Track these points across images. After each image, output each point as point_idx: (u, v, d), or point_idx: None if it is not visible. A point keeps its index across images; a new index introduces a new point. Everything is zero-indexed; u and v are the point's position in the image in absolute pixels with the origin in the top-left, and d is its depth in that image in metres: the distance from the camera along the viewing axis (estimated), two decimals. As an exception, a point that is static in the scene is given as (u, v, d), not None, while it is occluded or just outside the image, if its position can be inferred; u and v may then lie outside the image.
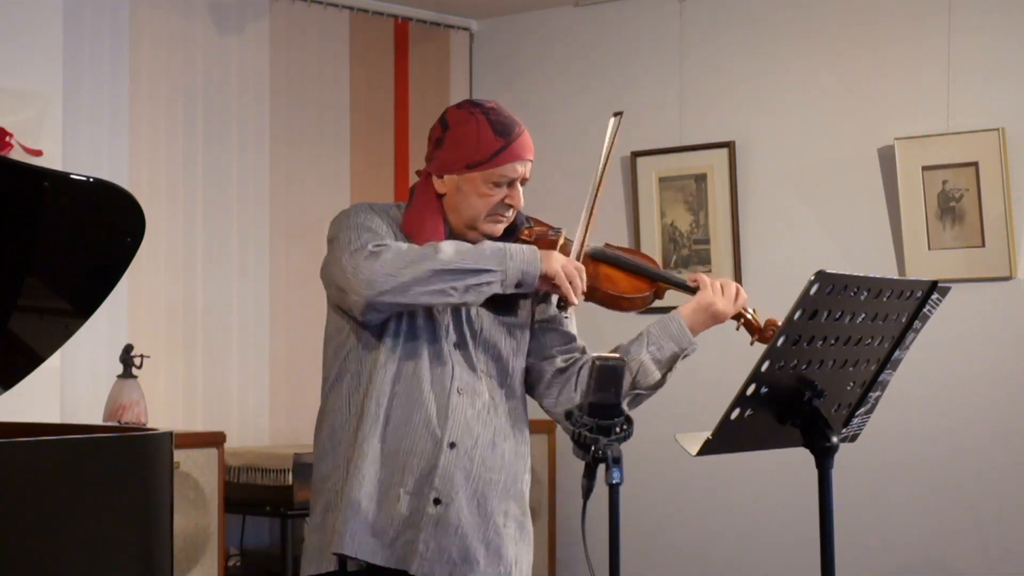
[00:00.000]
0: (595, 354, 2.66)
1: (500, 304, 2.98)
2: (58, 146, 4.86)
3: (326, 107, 6.07)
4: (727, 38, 5.85)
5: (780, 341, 2.50)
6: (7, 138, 4.68)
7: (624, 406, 2.96)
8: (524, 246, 2.87)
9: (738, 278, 5.71)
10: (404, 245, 2.86)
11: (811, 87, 5.62)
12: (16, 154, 4.66)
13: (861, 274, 2.57)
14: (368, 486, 2.91)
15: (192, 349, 5.58)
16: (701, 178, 5.84)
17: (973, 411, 5.22)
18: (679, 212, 5.89)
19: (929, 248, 5.25)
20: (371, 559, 2.92)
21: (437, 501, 2.92)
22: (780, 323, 2.96)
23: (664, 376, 3.01)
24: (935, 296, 2.73)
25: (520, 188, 2.98)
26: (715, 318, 2.99)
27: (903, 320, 2.71)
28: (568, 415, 2.62)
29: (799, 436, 2.67)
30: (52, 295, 3.29)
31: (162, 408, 5.34)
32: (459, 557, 2.93)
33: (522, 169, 2.98)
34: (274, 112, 5.86)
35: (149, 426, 4.73)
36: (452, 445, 2.92)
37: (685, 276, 3.06)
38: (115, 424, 4.79)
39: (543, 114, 6.35)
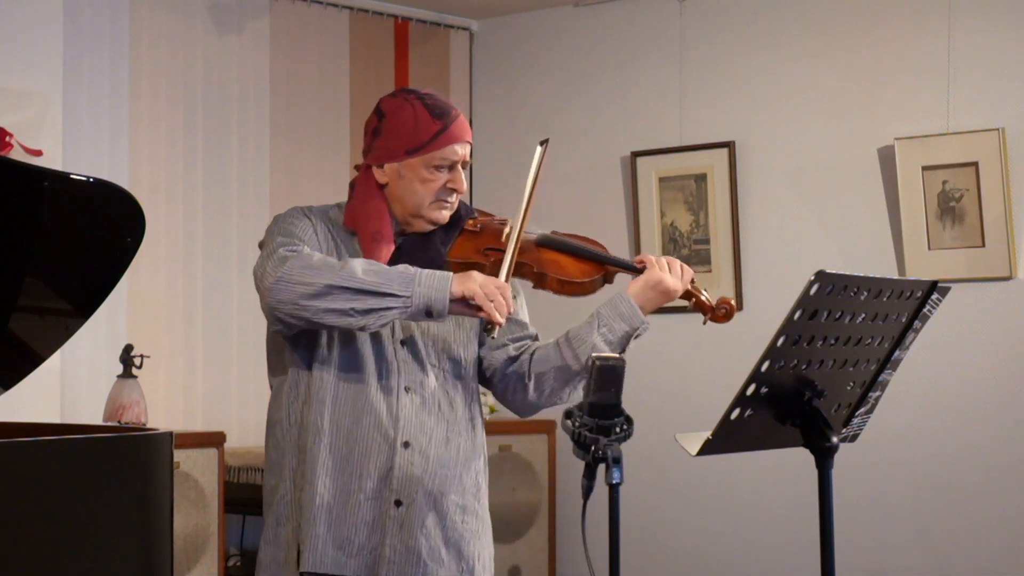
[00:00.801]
0: (595, 354, 2.65)
1: None
2: (58, 146, 4.87)
3: (326, 107, 6.07)
4: (727, 38, 5.85)
5: (780, 341, 2.50)
6: (7, 138, 4.68)
7: (579, 390, 2.96)
8: (438, 272, 2.78)
9: (738, 278, 5.71)
10: (316, 254, 2.82)
11: (811, 87, 5.62)
12: (16, 154, 4.66)
13: (861, 274, 2.57)
14: (325, 497, 2.88)
15: (192, 349, 5.58)
16: (701, 178, 5.84)
17: (973, 411, 5.22)
18: (679, 212, 5.89)
19: (929, 248, 5.25)
20: (340, 571, 2.89)
21: (398, 503, 2.90)
22: (731, 301, 2.96)
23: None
24: (935, 296, 2.73)
25: (462, 172, 2.94)
26: (665, 295, 2.92)
27: (903, 320, 2.71)
28: (568, 415, 2.61)
29: (799, 436, 2.67)
30: (52, 295, 3.29)
31: (162, 408, 5.35)
32: (427, 556, 2.91)
33: (462, 151, 2.93)
34: (274, 112, 5.86)
35: (149, 426, 4.73)
36: (406, 444, 2.90)
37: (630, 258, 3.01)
38: (115, 424, 4.79)
39: (543, 114, 6.35)
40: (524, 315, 3.09)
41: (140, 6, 5.45)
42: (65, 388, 4.98)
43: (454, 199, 2.95)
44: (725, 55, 5.85)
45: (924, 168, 5.25)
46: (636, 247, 5.93)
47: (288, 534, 2.93)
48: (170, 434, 3.17)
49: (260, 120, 5.81)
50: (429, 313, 2.76)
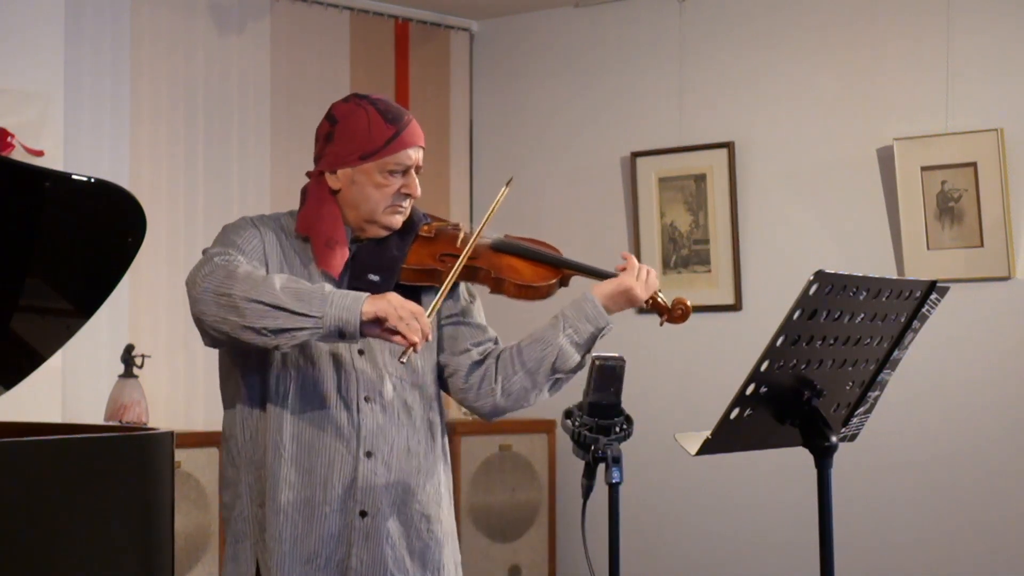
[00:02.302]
0: (595, 353, 2.66)
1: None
2: (59, 146, 4.87)
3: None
4: (727, 38, 5.86)
5: (780, 341, 2.51)
6: (9, 138, 4.69)
7: (546, 392, 2.96)
8: (352, 292, 2.72)
9: (737, 278, 5.72)
10: (243, 266, 2.77)
11: (810, 87, 5.63)
12: (17, 154, 4.67)
13: (860, 274, 2.58)
14: (290, 512, 2.86)
15: (193, 349, 5.57)
16: (701, 178, 5.84)
17: (972, 411, 5.22)
18: (679, 212, 5.90)
19: (928, 248, 5.26)
20: None
21: (363, 513, 2.88)
22: (687, 303, 2.98)
23: (583, 358, 2.95)
24: (934, 296, 2.74)
25: (415, 177, 2.93)
26: (631, 302, 2.94)
27: (902, 320, 2.72)
28: (568, 415, 2.62)
29: (798, 436, 2.67)
30: (53, 295, 3.30)
31: (163, 408, 5.35)
32: (393, 567, 2.90)
33: (415, 156, 2.92)
34: (274, 112, 5.87)
35: (150, 426, 4.73)
36: (368, 454, 2.88)
37: (584, 262, 3.01)
38: (116, 424, 4.80)
39: (543, 114, 6.36)
40: (482, 318, 3.07)
41: (141, 7, 5.45)
42: (66, 388, 4.98)
43: (408, 204, 2.93)
44: (725, 55, 5.86)
45: (923, 168, 5.26)
46: (636, 247, 5.94)
47: (247, 551, 2.91)
48: (171, 434, 3.17)
49: (260, 120, 5.81)
50: (342, 334, 2.70)
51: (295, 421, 2.87)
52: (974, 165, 5.15)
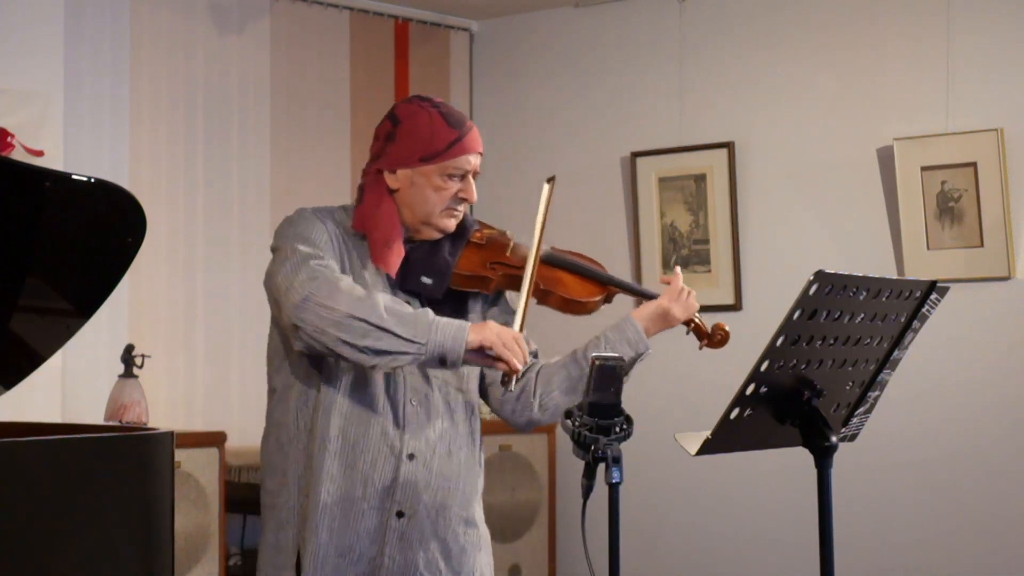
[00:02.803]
0: (595, 353, 2.66)
1: (451, 309, 2.95)
2: (59, 146, 4.87)
3: (326, 107, 6.08)
4: (727, 38, 5.86)
5: (780, 341, 2.51)
6: (8, 138, 4.69)
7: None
8: (455, 321, 2.78)
9: (737, 278, 5.72)
10: (343, 277, 2.80)
11: (810, 87, 5.63)
12: (17, 154, 4.67)
13: (860, 274, 2.58)
14: (329, 505, 2.88)
15: (193, 349, 5.59)
16: (701, 178, 5.84)
17: (972, 411, 5.22)
18: (679, 212, 5.90)
19: (928, 248, 5.26)
20: None
21: (400, 514, 2.91)
22: (726, 328, 3.03)
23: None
24: (934, 296, 2.74)
25: (472, 182, 2.96)
26: (670, 324, 3.00)
27: (902, 320, 2.72)
28: (568, 415, 2.62)
29: (798, 436, 2.67)
30: (53, 295, 3.30)
31: (163, 408, 5.35)
32: (425, 569, 2.92)
33: (475, 161, 2.96)
34: (274, 112, 5.87)
35: (150, 426, 4.74)
36: (411, 456, 2.91)
37: (632, 281, 3.08)
38: (116, 424, 4.80)
39: (543, 114, 6.36)
40: (524, 332, 3.09)
41: (141, 6, 5.45)
42: (66, 388, 4.98)
43: (463, 208, 2.97)
44: (725, 55, 5.86)
45: (923, 168, 5.26)
46: (636, 247, 5.94)
47: (289, 540, 2.93)
48: (171, 434, 3.18)
49: (260, 120, 5.82)
50: (443, 362, 2.76)
51: (343, 417, 2.89)
52: (974, 165, 5.15)
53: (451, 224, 2.95)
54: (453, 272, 2.95)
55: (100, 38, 5.31)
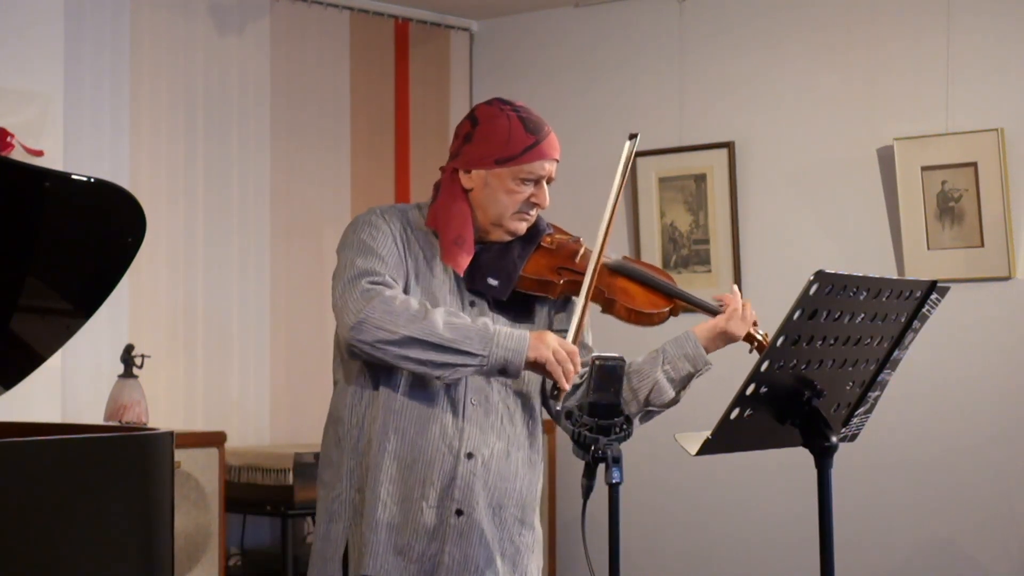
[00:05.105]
0: (595, 353, 2.67)
1: (517, 311, 2.98)
2: (59, 146, 4.87)
3: (326, 107, 6.08)
4: (727, 38, 5.86)
5: (780, 341, 2.51)
6: (8, 138, 4.69)
7: (636, 421, 2.99)
8: (515, 332, 2.82)
9: (737, 278, 5.72)
10: (399, 295, 2.83)
11: (811, 87, 5.63)
12: (17, 154, 4.67)
13: (860, 274, 2.58)
14: (388, 504, 2.90)
15: (193, 349, 5.58)
16: (701, 178, 5.84)
17: (972, 411, 5.22)
18: (679, 212, 5.90)
19: (928, 248, 5.26)
20: None
21: (459, 512, 2.92)
22: None
23: (678, 394, 3.02)
24: (934, 296, 2.74)
25: (546, 188, 2.98)
26: (730, 340, 3.01)
27: (902, 320, 2.72)
28: (568, 415, 2.62)
29: (799, 436, 2.68)
30: (53, 295, 3.30)
31: (163, 408, 5.35)
32: (484, 565, 2.94)
33: (550, 167, 2.98)
34: (274, 112, 5.87)
35: (150, 426, 4.74)
36: (469, 455, 2.92)
37: (705, 297, 3.04)
38: (116, 424, 4.80)
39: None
40: (589, 339, 3.11)
41: (141, 7, 5.45)
42: (66, 388, 4.98)
43: (534, 213, 2.98)
44: (725, 55, 5.86)
45: (923, 168, 5.26)
46: (636, 247, 5.94)
47: (339, 532, 2.95)
48: (171, 434, 3.18)
49: (260, 120, 5.82)
50: (504, 372, 2.81)
51: (401, 416, 2.91)
52: (974, 165, 5.15)
53: (521, 227, 2.97)
54: (520, 275, 2.95)
55: (100, 38, 5.30)
